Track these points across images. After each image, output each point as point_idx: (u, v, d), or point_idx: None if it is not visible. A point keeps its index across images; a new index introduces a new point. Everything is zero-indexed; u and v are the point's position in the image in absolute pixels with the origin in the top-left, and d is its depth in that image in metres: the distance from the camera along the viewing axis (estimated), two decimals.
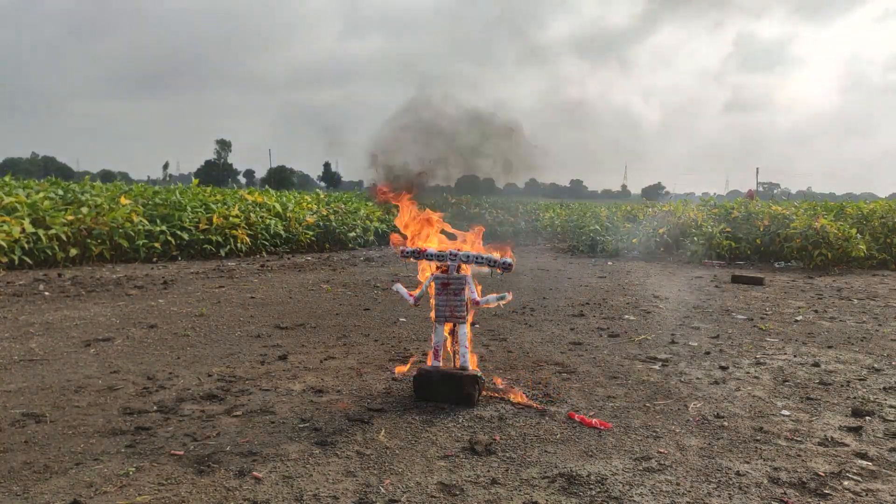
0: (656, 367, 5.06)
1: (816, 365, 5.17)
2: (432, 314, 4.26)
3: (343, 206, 18.62)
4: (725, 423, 3.75)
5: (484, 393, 4.15)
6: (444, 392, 3.97)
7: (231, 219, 14.01)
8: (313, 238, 16.10)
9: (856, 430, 3.67)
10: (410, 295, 4.23)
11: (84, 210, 11.78)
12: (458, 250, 4.22)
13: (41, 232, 10.76)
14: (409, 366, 4.75)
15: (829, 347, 5.83)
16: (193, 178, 18.73)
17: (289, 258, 13.99)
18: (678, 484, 2.95)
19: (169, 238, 12.84)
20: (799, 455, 3.32)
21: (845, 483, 2.99)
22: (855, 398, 4.31)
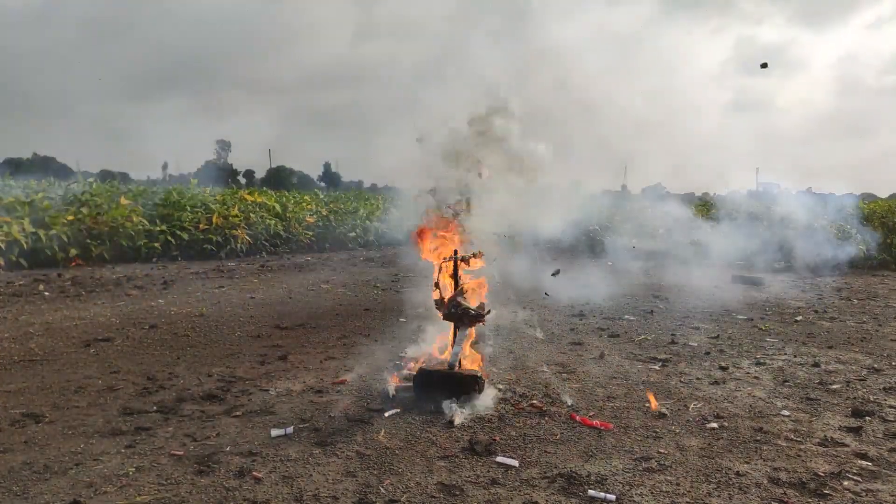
0: (656, 367, 5.06)
1: (816, 365, 5.17)
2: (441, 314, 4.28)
3: (343, 206, 18.61)
4: (725, 423, 3.75)
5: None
6: (445, 392, 3.97)
7: (231, 219, 14.00)
8: (313, 238, 16.09)
9: (856, 431, 3.67)
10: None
11: (84, 210, 11.78)
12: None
13: (41, 232, 10.76)
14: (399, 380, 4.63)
15: (829, 347, 5.83)
16: (192, 179, 18.70)
17: (289, 258, 13.99)
18: (678, 484, 2.95)
19: (169, 238, 12.84)
20: (799, 455, 3.32)
21: (845, 483, 2.99)
22: (855, 398, 4.31)
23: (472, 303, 4.35)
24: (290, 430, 3.51)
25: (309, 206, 17.26)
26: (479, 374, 4.06)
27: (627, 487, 2.90)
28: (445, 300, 4.24)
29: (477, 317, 4.19)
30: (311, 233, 16.02)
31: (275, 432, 3.47)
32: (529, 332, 6.34)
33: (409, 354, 5.26)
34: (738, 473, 3.07)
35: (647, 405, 4.07)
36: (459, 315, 4.21)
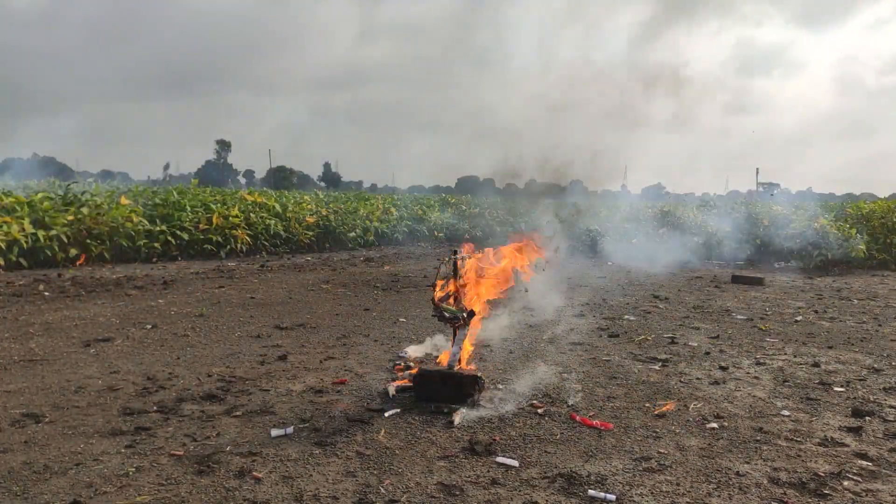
0: (656, 367, 5.06)
1: (816, 365, 5.17)
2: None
3: (343, 206, 18.63)
4: (725, 423, 3.75)
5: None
6: (445, 392, 3.97)
7: (231, 219, 14.00)
8: (313, 238, 16.10)
9: (856, 430, 3.67)
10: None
11: (84, 210, 11.77)
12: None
13: (41, 232, 10.75)
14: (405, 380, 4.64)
15: (829, 348, 5.83)
16: (193, 179, 18.72)
17: (289, 258, 13.99)
18: (678, 484, 2.95)
19: (169, 238, 12.84)
20: (799, 455, 3.32)
21: (845, 483, 2.99)
22: (855, 398, 4.31)
23: (468, 303, 4.36)
24: (290, 430, 3.51)
25: (309, 206, 17.27)
26: (479, 375, 4.06)
27: (627, 487, 2.91)
28: (436, 301, 4.26)
29: (453, 319, 4.22)
30: (311, 233, 16.02)
31: (275, 432, 3.47)
32: (529, 332, 6.34)
33: (409, 354, 5.27)
34: (738, 473, 3.07)
35: (647, 405, 4.07)
36: (443, 317, 4.23)
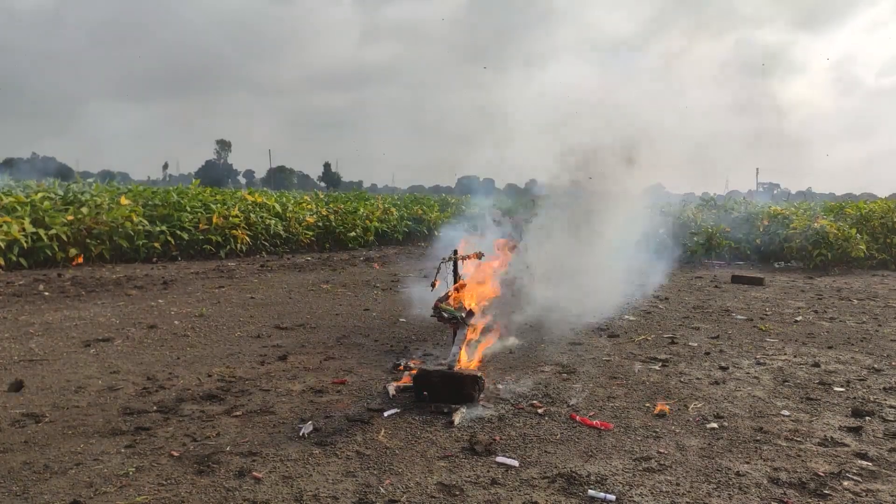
0: (656, 367, 5.06)
1: (816, 365, 5.17)
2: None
3: (343, 206, 18.62)
4: (725, 423, 3.75)
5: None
6: (445, 392, 3.97)
7: (231, 219, 13.99)
8: (313, 238, 16.10)
9: (856, 430, 3.67)
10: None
11: (84, 210, 11.77)
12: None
13: (41, 232, 10.75)
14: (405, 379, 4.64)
15: (829, 348, 5.83)
16: (194, 179, 18.71)
17: (289, 258, 13.99)
18: (678, 484, 2.95)
19: (169, 238, 12.84)
20: (799, 455, 3.32)
21: (845, 483, 2.99)
22: (855, 398, 4.31)
23: (468, 303, 4.37)
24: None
25: (309, 206, 17.27)
26: (479, 375, 4.06)
27: (627, 487, 2.91)
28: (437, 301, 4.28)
29: (452, 319, 4.23)
30: (311, 233, 16.02)
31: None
32: (529, 332, 6.34)
33: (409, 353, 5.27)
34: (738, 473, 3.07)
35: (647, 405, 4.07)
36: (442, 318, 4.24)
